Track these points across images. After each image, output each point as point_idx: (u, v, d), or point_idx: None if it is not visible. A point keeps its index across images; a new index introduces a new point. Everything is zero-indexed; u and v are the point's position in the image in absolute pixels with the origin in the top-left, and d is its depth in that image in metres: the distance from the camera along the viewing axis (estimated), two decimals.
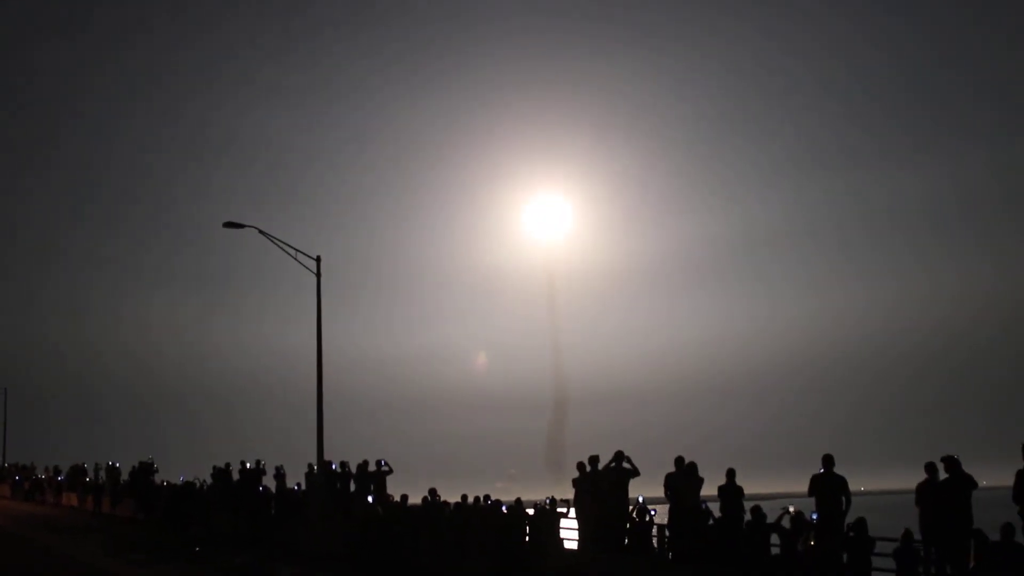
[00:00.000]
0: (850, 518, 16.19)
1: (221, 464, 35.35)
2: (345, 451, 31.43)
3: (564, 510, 21.00)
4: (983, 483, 15.45)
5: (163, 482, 41.72)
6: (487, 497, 22.78)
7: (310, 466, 29.75)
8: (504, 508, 22.14)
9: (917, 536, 15.08)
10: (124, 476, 45.45)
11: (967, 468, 15.12)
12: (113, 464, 47.38)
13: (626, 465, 19.70)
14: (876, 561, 15.84)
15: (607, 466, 19.85)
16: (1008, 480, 14.16)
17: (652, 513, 19.60)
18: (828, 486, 16.60)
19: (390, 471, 28.67)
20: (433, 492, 24.10)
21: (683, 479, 18.67)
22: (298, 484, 31.04)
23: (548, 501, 21.68)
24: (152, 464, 43.24)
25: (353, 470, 28.76)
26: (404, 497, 25.14)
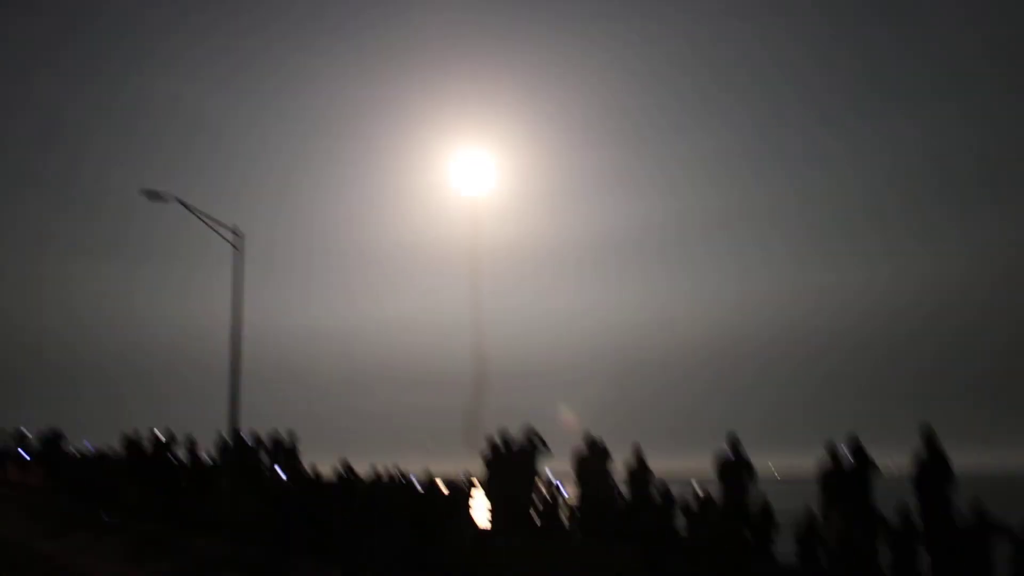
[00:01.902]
0: (756, 499, 16.39)
1: (131, 434, 34.42)
2: (259, 422, 30.95)
3: (478, 485, 20.97)
4: (888, 465, 15.65)
5: (72, 452, 40.95)
6: (398, 470, 22.51)
7: (220, 435, 29.07)
8: (416, 482, 21.91)
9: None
10: (32, 444, 44.27)
11: (875, 451, 15.28)
12: (20, 432, 46.07)
13: (538, 442, 19.67)
14: (780, 543, 16.04)
15: (519, 443, 19.82)
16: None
17: (562, 491, 19.55)
18: (734, 467, 16.70)
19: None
20: (348, 467, 23.66)
21: (593, 458, 18.59)
22: (209, 455, 30.35)
23: (464, 477, 21.53)
24: (60, 433, 42.33)
25: (265, 442, 28.14)
26: (316, 470, 24.96)
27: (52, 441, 42.08)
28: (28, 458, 43.84)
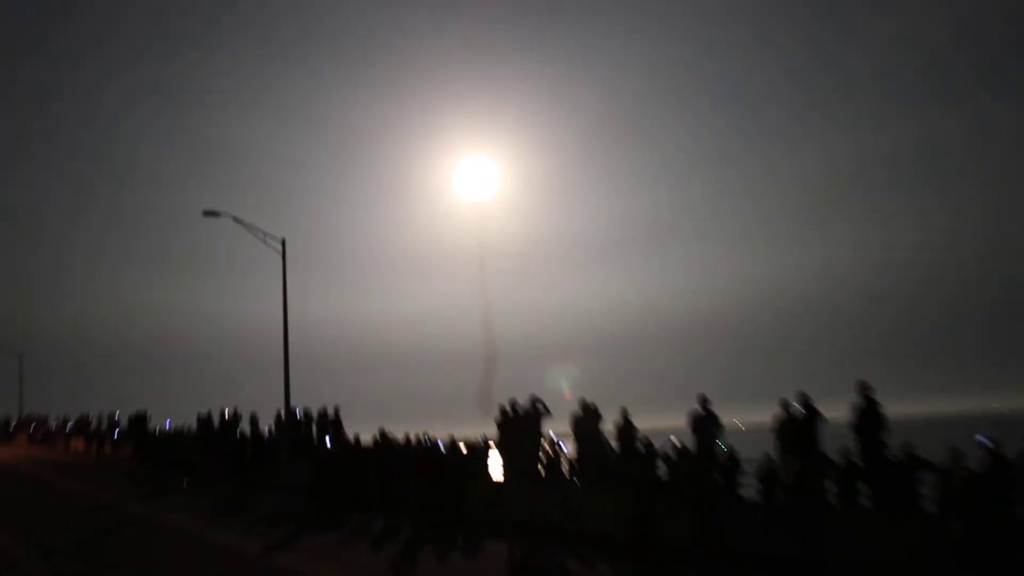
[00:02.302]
0: (723, 448, 16.49)
1: (203, 414, 34.93)
2: (308, 399, 31.32)
3: (492, 446, 21.07)
4: (834, 415, 15.81)
5: (155, 429, 41.14)
6: (426, 435, 22.75)
7: (278, 413, 29.60)
8: (441, 445, 22.13)
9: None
10: (122, 424, 44.76)
11: (821, 404, 15.48)
12: (113, 414, 46.64)
13: (540, 407, 19.80)
14: (744, 483, 16.20)
15: (525, 408, 19.94)
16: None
17: (562, 448, 19.69)
18: (705, 421, 16.85)
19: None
20: (383, 433, 24.01)
21: (587, 419, 18.76)
22: (269, 428, 30.80)
23: (481, 439, 21.72)
24: (146, 414, 42.61)
25: (314, 416, 28.57)
26: (357, 438, 25.15)
27: (139, 421, 42.24)
28: (118, 436, 44.35)
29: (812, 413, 15.27)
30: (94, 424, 48.89)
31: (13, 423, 66.46)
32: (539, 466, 19.53)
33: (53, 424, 57.52)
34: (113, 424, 45.75)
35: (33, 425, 61.00)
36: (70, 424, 53.80)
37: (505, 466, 20.32)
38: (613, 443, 18.41)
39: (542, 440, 19.65)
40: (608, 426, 18.61)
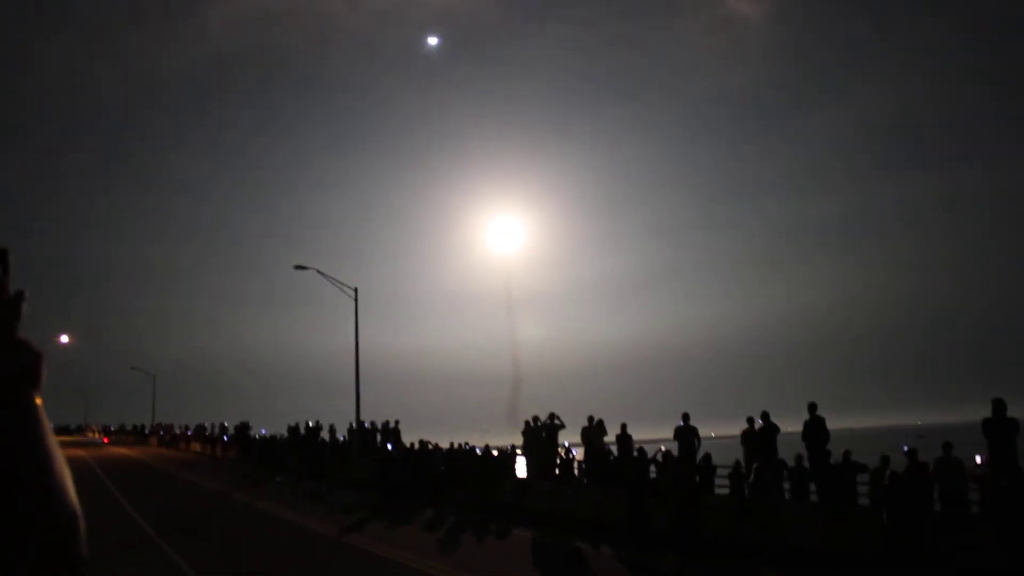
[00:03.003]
0: (700, 454, 16.45)
1: (293, 423, 35.30)
2: (374, 414, 31.54)
3: (518, 451, 21.05)
4: (787, 429, 15.76)
5: (255, 435, 41.56)
6: (466, 443, 22.80)
7: (351, 424, 29.76)
8: (478, 451, 22.17)
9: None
10: (230, 431, 45.15)
11: (778, 419, 15.47)
12: (223, 424, 47.12)
13: (557, 421, 19.81)
14: (718, 481, 16.15)
15: (544, 421, 19.94)
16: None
17: (573, 453, 19.69)
18: (686, 433, 16.84)
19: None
20: (423, 442, 24.18)
21: (593, 431, 18.77)
22: (344, 436, 30.97)
23: (510, 447, 21.75)
24: (248, 424, 43.07)
25: (379, 427, 28.71)
26: (412, 444, 25.11)
27: (242, 429, 42.87)
28: (227, 440, 44.76)
29: (771, 426, 15.29)
30: (209, 430, 49.40)
31: (147, 429, 67.31)
32: (555, 468, 19.54)
33: (177, 430, 58.07)
34: (223, 431, 46.16)
35: (162, 431, 61.66)
36: (190, 430, 54.34)
37: (528, 467, 20.27)
38: (614, 450, 18.48)
39: (558, 447, 19.69)
40: (610, 436, 18.68)
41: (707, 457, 16.11)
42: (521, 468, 20.59)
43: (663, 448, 16.47)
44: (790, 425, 15.89)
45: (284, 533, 15.73)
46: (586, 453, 18.89)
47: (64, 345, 47.28)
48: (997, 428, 11.36)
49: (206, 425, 50.70)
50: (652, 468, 16.35)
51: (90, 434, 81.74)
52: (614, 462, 17.98)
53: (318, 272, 29.72)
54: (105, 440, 72.30)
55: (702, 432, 16.95)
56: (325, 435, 32.13)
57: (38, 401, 0.83)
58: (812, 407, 14.55)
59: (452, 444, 22.92)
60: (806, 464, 14.21)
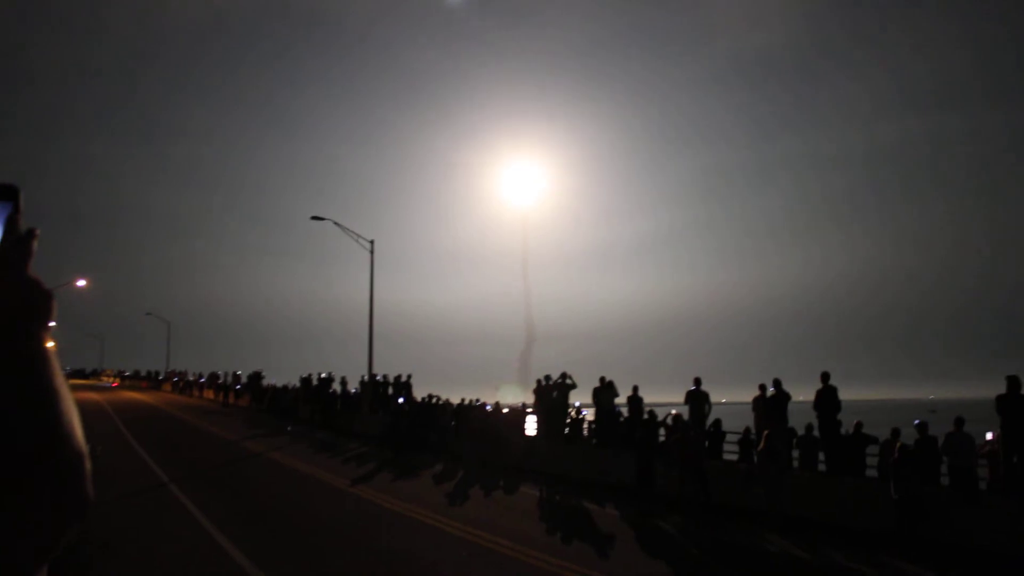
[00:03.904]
0: (711, 419, 16.57)
1: (305, 374, 35.84)
2: (386, 367, 31.91)
3: (530, 410, 21.22)
4: (799, 397, 15.81)
5: (268, 385, 42.23)
6: (477, 399, 23.08)
7: (363, 377, 30.17)
8: (488, 407, 22.44)
9: (753, 432, 15.49)
10: (243, 379, 45.87)
11: (790, 387, 15.51)
12: (236, 372, 47.87)
13: (568, 380, 19.94)
14: (727, 447, 16.31)
15: (556, 381, 20.09)
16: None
17: (583, 414, 19.87)
18: (697, 397, 16.94)
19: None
20: (430, 396, 24.53)
21: (604, 391, 18.91)
22: (355, 388, 31.42)
23: (522, 404, 21.93)
24: (261, 373, 43.72)
25: (391, 380, 29.09)
26: (423, 399, 25.50)
27: (255, 378, 43.64)
28: (240, 389, 45.53)
29: (783, 394, 15.32)
30: (222, 379, 50.23)
31: (161, 375, 68.65)
32: (565, 427, 19.77)
33: (191, 377, 59.15)
34: (236, 379, 46.89)
35: (175, 377, 62.83)
36: (203, 378, 55.34)
37: (538, 425, 20.46)
38: (624, 412, 18.64)
39: (568, 407, 19.89)
40: (621, 398, 18.82)
41: (717, 422, 16.21)
42: (531, 427, 20.80)
43: (673, 411, 16.46)
44: (802, 394, 15.93)
45: (295, 482, 16.14)
46: (597, 414, 19.07)
47: (81, 288, 47.58)
48: (1010, 405, 11.37)
49: (219, 373, 51.65)
50: (662, 431, 16.46)
51: (105, 378, 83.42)
52: (624, 424, 18.13)
53: (335, 223, 29.72)
54: (114, 384, 73.79)
55: (714, 398, 17.06)
56: (336, 387, 32.66)
57: (47, 340, 0.81)
58: (825, 376, 14.57)
59: (463, 400, 23.23)
60: (816, 434, 14.29)
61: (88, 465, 0.78)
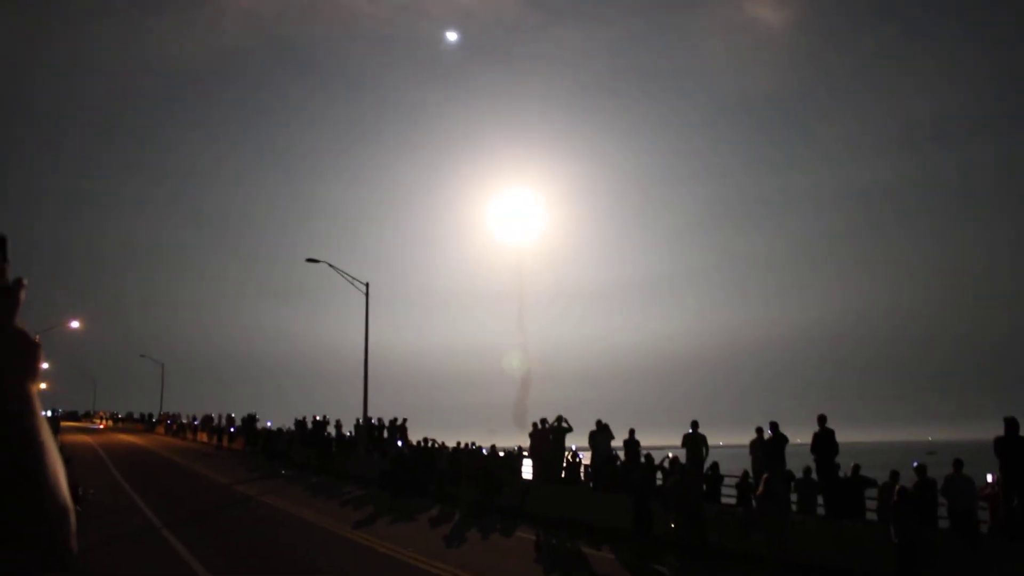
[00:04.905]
0: (708, 462, 16.47)
1: (299, 417, 35.55)
2: (381, 411, 31.66)
3: (525, 453, 21.07)
4: (796, 440, 15.79)
5: (262, 428, 41.80)
6: (473, 443, 22.90)
7: (357, 420, 29.91)
8: (484, 451, 22.24)
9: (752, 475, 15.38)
10: (237, 423, 45.43)
11: (785, 429, 15.47)
12: (230, 415, 47.41)
13: (564, 423, 19.85)
14: (724, 491, 16.18)
15: (551, 424, 19.99)
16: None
17: (580, 457, 19.72)
18: (694, 440, 16.85)
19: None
20: (426, 439, 24.34)
21: (600, 435, 18.78)
22: (350, 431, 31.15)
23: (517, 448, 21.78)
24: (255, 416, 43.31)
25: (386, 423, 28.89)
26: (419, 442, 25.27)
27: (250, 421, 43.14)
28: (234, 431, 44.93)
29: (780, 437, 15.28)
30: (215, 421, 49.72)
31: (155, 418, 67.98)
32: (562, 471, 19.59)
33: (184, 420, 58.57)
34: (230, 422, 46.43)
35: (169, 420, 62.24)
36: (197, 420, 54.72)
37: (534, 469, 20.31)
38: (620, 454, 18.51)
39: (565, 450, 19.74)
40: (617, 442, 18.70)
41: (715, 466, 16.12)
42: (527, 469, 20.60)
43: (670, 455, 16.31)
44: (799, 437, 15.92)
45: (288, 528, 15.91)
46: (593, 457, 18.92)
47: (75, 330, 47.45)
48: (1009, 447, 11.37)
49: (213, 416, 51.12)
50: (659, 475, 16.27)
51: (97, 421, 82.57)
52: (621, 467, 18.00)
53: (329, 266, 29.78)
54: (102, 425, 73.01)
55: (711, 441, 16.97)
56: (331, 430, 32.35)
57: (35, 390, 0.81)
58: (822, 419, 14.53)
59: (458, 443, 23.05)
60: (814, 477, 14.21)
61: (73, 519, 0.79)
